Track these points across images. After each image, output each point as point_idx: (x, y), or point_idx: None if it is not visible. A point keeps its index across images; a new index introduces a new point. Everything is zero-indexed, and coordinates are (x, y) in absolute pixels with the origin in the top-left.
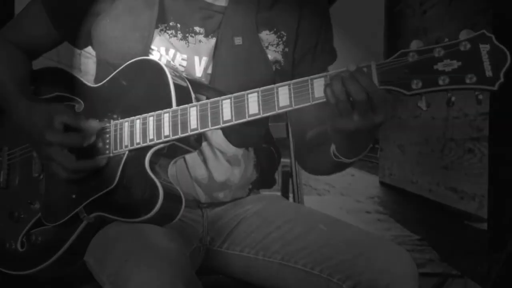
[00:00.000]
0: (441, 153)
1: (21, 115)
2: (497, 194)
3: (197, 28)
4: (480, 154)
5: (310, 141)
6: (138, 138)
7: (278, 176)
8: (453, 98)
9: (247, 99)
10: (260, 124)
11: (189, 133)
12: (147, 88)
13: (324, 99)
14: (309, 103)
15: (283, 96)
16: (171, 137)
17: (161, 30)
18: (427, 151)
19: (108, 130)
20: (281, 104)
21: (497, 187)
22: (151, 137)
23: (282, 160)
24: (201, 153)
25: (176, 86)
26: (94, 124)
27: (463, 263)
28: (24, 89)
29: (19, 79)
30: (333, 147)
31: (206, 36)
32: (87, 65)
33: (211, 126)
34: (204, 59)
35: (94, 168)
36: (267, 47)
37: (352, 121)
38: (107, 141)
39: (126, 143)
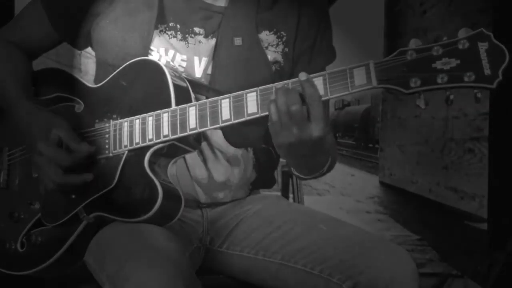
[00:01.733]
0: (441, 153)
1: (22, 117)
2: (497, 194)
3: (196, 29)
4: (480, 154)
5: None
6: (137, 138)
7: (278, 176)
8: (451, 97)
9: (246, 98)
10: (259, 124)
11: (188, 132)
12: (147, 88)
13: (323, 99)
14: None
15: None
16: (170, 137)
17: (161, 30)
18: (427, 151)
19: (107, 130)
20: None
21: (497, 187)
22: (150, 137)
23: (282, 160)
24: (201, 153)
25: (176, 86)
26: (84, 147)
27: (463, 263)
28: (25, 89)
29: (19, 79)
30: None
31: (206, 36)
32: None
33: (210, 125)
34: (204, 60)
35: (80, 183)
36: (267, 47)
37: (291, 134)
38: (107, 141)
39: (125, 143)
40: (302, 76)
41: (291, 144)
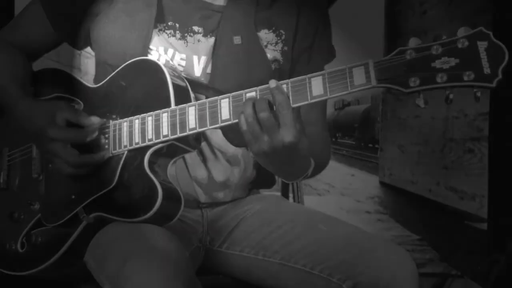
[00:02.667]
0: (441, 153)
1: (23, 114)
2: (497, 194)
3: (195, 28)
4: (480, 154)
5: None
6: (137, 138)
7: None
8: (451, 96)
9: (246, 98)
10: None
11: (188, 132)
12: (146, 88)
13: (323, 98)
14: (307, 102)
15: None
16: (170, 137)
17: (160, 30)
18: (427, 151)
19: (107, 130)
20: None
21: (497, 187)
22: (150, 137)
23: None
24: (201, 153)
25: (175, 86)
26: (95, 120)
27: (463, 263)
28: (25, 89)
29: (20, 79)
30: None
31: (205, 35)
32: (87, 65)
33: (210, 125)
34: (203, 59)
35: (97, 162)
36: (266, 46)
37: (263, 142)
38: (106, 141)
39: (125, 143)
40: (272, 83)
41: (265, 152)
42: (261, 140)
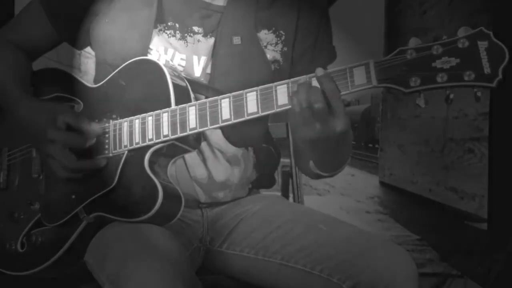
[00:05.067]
0: (441, 153)
1: (23, 114)
2: (497, 194)
3: (195, 28)
4: (480, 154)
5: None
6: (137, 138)
7: (278, 176)
8: (451, 96)
9: (246, 98)
10: (259, 123)
11: (188, 132)
12: (146, 88)
13: None
14: None
15: (282, 94)
16: (170, 137)
17: (160, 30)
18: (427, 151)
19: (107, 130)
20: (279, 103)
21: (497, 187)
22: (150, 137)
23: (282, 160)
24: (201, 153)
25: (175, 86)
26: (95, 127)
27: (463, 263)
28: (25, 89)
29: (20, 79)
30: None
31: (205, 35)
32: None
33: (210, 125)
34: (203, 59)
35: (94, 168)
36: (265, 46)
37: (314, 130)
38: (107, 141)
39: (125, 143)
40: (319, 71)
41: (313, 139)
42: (312, 127)
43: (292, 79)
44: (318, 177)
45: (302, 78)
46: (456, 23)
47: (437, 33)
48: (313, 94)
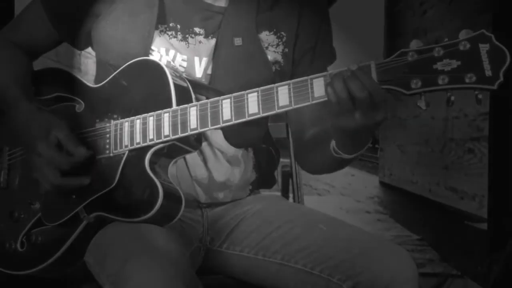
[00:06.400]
0: (441, 153)
1: (20, 117)
2: (497, 194)
3: (197, 29)
4: (480, 154)
5: (309, 140)
6: (138, 138)
7: (278, 176)
8: (452, 98)
9: (247, 98)
10: (260, 124)
11: (189, 132)
12: (148, 88)
13: (324, 99)
14: (308, 103)
15: (283, 95)
16: (171, 137)
17: (161, 31)
18: (427, 151)
19: (108, 130)
20: (280, 104)
21: (497, 187)
22: (151, 137)
23: (282, 160)
24: (201, 153)
25: (176, 86)
26: (82, 150)
27: (463, 263)
28: (26, 89)
29: (20, 79)
30: (333, 143)
31: (206, 36)
32: (87, 65)
33: (211, 126)
34: (204, 60)
35: (77, 186)
36: (267, 47)
37: (353, 120)
38: (107, 141)
39: (126, 143)
40: (353, 66)
41: (352, 128)
42: (352, 116)
43: (293, 80)
44: (331, 168)
45: (336, 71)
46: (456, 23)
47: (438, 35)
48: (353, 86)
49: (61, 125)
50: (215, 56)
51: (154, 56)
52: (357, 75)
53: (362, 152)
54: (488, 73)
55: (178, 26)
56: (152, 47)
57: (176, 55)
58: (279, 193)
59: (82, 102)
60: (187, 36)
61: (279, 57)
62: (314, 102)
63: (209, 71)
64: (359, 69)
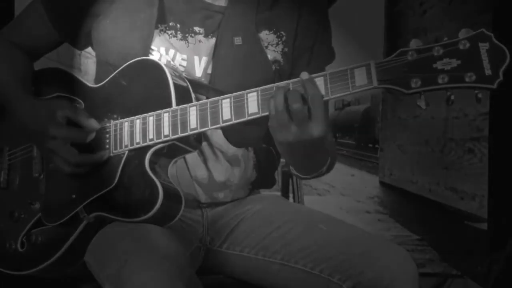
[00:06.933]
0: (441, 153)
1: (24, 112)
2: (497, 194)
3: (196, 28)
4: (480, 154)
5: None
6: (138, 138)
7: (278, 176)
8: (452, 97)
9: (247, 98)
10: (260, 123)
11: (189, 132)
12: (147, 88)
13: (324, 99)
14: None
15: None
16: (171, 137)
17: (161, 30)
18: (427, 151)
19: (108, 130)
20: None
21: (497, 187)
22: (151, 136)
23: (282, 160)
24: (201, 153)
25: (176, 86)
26: (93, 121)
27: (463, 263)
28: (26, 89)
29: (21, 79)
30: None
31: (206, 36)
32: (87, 65)
33: (211, 125)
34: (204, 59)
35: (96, 162)
36: (266, 47)
37: (290, 133)
38: (107, 141)
39: (126, 143)
40: (304, 75)
41: (290, 142)
42: (289, 130)
43: (292, 80)
44: (299, 177)
45: (284, 83)
46: (456, 23)
47: (438, 35)
48: (290, 96)
49: (64, 104)
50: (215, 56)
51: (154, 56)
52: (304, 85)
53: (323, 173)
54: (488, 72)
55: (178, 26)
56: (152, 47)
57: (176, 54)
58: (279, 193)
59: (82, 102)
60: (187, 35)
61: (278, 57)
62: None
63: (209, 71)
64: (308, 80)
